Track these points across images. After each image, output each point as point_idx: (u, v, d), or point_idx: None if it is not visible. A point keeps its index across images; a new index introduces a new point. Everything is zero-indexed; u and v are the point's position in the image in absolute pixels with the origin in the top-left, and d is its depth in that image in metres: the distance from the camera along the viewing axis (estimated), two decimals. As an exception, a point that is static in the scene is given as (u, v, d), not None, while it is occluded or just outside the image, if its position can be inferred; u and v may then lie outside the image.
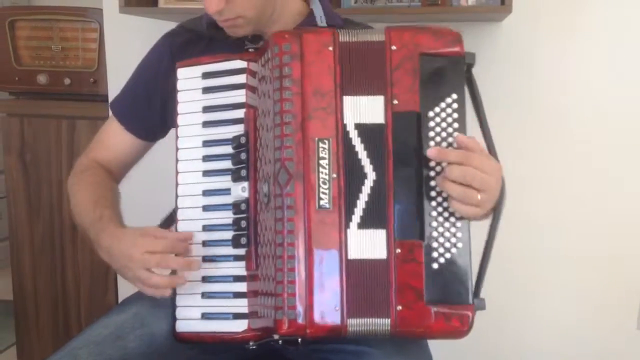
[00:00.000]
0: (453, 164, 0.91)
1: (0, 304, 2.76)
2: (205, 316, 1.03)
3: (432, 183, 0.94)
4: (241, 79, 1.06)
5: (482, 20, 1.81)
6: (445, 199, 0.94)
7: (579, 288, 1.91)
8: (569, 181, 1.87)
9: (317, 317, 0.91)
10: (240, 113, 1.05)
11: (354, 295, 0.93)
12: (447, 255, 0.93)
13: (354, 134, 0.95)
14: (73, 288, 2.22)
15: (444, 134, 0.94)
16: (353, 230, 0.94)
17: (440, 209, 0.94)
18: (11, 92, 2.25)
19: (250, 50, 1.08)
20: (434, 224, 0.94)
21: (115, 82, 1.30)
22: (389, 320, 0.92)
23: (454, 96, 0.95)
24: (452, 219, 0.94)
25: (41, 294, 2.23)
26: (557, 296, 1.92)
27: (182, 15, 1.73)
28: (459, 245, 0.93)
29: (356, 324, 0.93)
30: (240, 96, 1.06)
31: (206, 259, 1.05)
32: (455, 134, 0.94)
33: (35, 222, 2.20)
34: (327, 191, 0.93)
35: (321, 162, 0.93)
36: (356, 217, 0.94)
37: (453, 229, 0.94)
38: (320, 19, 1.18)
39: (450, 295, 0.93)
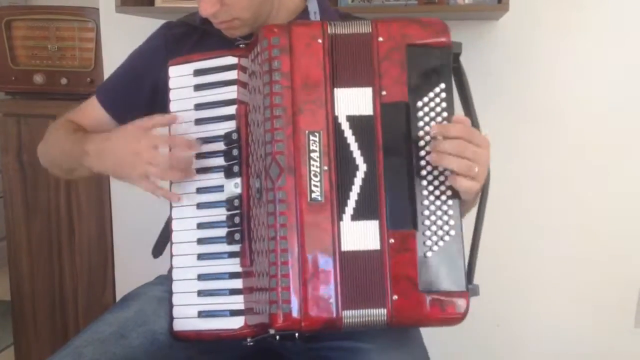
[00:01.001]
0: (447, 139, 0.91)
1: (-3, 304, 2.76)
2: (202, 314, 1.03)
3: (423, 172, 0.95)
4: (232, 75, 1.06)
5: (478, 18, 1.81)
6: (436, 187, 0.94)
7: (578, 286, 1.91)
8: (567, 179, 1.87)
9: (312, 310, 0.91)
10: (231, 109, 1.05)
11: (348, 287, 0.92)
12: (441, 244, 0.94)
13: (345, 127, 0.95)
14: (70, 288, 2.21)
15: (432, 124, 0.95)
16: (346, 222, 0.94)
17: (432, 198, 0.94)
18: (8, 92, 2.24)
19: (241, 45, 1.07)
20: (426, 212, 0.94)
21: (112, 82, 1.30)
22: (385, 310, 0.92)
23: (442, 86, 0.96)
24: (445, 207, 0.94)
25: (39, 294, 2.23)
26: (556, 295, 1.92)
27: (179, 15, 1.73)
28: (452, 232, 0.94)
29: (351, 315, 0.93)
30: (231, 92, 1.06)
31: (201, 256, 1.05)
32: (444, 123, 0.95)
33: (33, 222, 2.19)
34: (318, 184, 0.93)
35: (312, 155, 0.93)
36: (349, 209, 0.94)
37: (445, 217, 0.94)
38: (315, 14, 1.18)
39: (445, 283, 0.93)
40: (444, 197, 0.94)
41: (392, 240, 0.93)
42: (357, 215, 0.94)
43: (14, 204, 2.20)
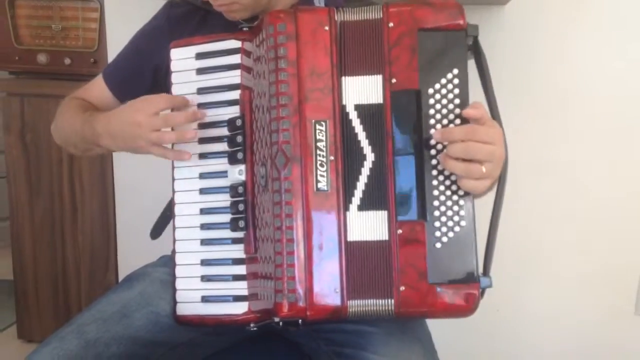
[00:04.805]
0: (451, 144, 0.89)
1: (0, 283, 2.77)
2: (205, 299, 1.04)
3: (434, 162, 0.92)
4: (236, 59, 1.05)
5: (485, 3, 1.80)
6: (447, 177, 0.92)
7: (578, 273, 1.91)
8: (570, 167, 1.86)
9: (317, 300, 0.91)
10: (235, 94, 1.04)
11: (354, 276, 0.92)
12: (450, 234, 0.92)
13: (353, 115, 0.94)
14: (73, 267, 2.22)
15: (444, 111, 0.92)
16: (353, 212, 0.93)
17: (442, 188, 0.92)
18: (11, 72, 2.23)
19: (244, 29, 1.05)
20: (436, 202, 0.92)
21: (116, 63, 1.31)
22: (393, 300, 0.92)
23: (455, 71, 0.92)
24: (455, 197, 0.92)
25: (41, 274, 2.24)
26: (556, 281, 1.93)
27: (183, -5, 1.72)
28: (462, 223, 0.92)
29: (357, 305, 0.93)
30: (235, 77, 1.05)
31: (204, 242, 1.05)
32: (457, 110, 0.92)
33: (36, 202, 2.20)
34: (324, 174, 0.92)
35: (318, 144, 0.92)
36: (356, 199, 0.94)
37: (456, 207, 0.92)
38: (319, 0, 1.17)
39: (455, 274, 0.92)
40: (454, 188, 0.92)
41: (400, 231, 0.92)
42: (365, 206, 0.94)
43: (17, 183, 2.20)
